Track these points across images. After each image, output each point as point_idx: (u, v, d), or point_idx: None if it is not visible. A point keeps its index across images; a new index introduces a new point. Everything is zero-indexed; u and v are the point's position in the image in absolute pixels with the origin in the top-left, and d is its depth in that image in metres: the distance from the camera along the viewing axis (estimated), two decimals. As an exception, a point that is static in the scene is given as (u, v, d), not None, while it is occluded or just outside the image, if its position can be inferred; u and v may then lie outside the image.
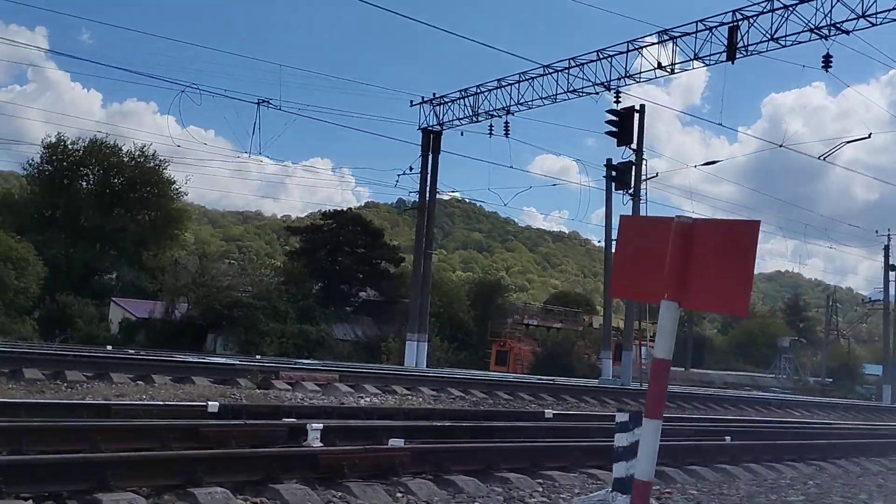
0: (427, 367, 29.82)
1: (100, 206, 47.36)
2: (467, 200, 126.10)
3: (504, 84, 29.26)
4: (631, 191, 26.40)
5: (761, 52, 22.70)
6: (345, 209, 53.27)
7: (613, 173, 26.79)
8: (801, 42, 21.92)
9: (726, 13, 22.68)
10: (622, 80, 25.87)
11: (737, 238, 2.98)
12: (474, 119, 30.60)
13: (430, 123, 31.75)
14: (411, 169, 32.19)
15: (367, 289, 50.52)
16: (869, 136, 27.11)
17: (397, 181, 34.42)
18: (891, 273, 46.27)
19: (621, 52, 25.52)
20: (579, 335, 46.14)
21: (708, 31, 23.11)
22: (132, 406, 8.72)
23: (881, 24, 20.58)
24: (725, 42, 22.41)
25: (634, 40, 25.45)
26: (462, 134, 31.60)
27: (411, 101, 32.20)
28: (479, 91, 30.17)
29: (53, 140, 47.94)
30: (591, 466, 7.94)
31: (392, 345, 37.50)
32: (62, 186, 47.03)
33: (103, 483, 5.03)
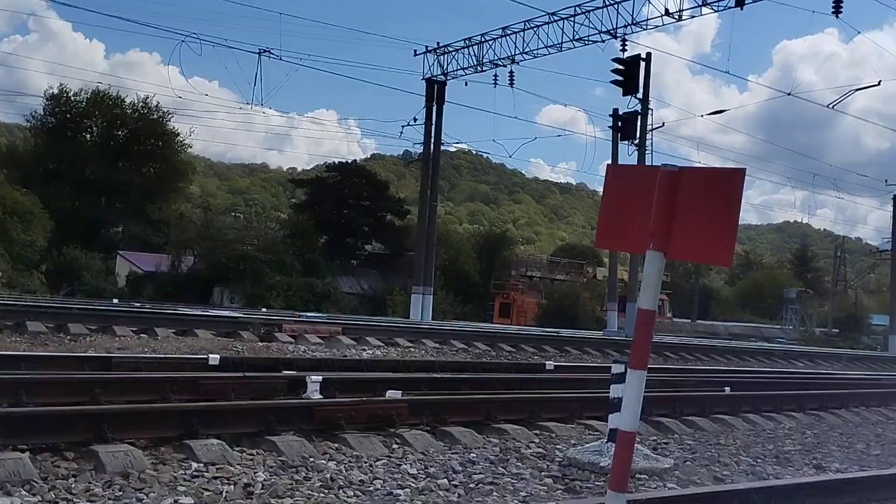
0: (432, 320, 29.96)
1: (104, 158, 47.27)
2: (474, 152, 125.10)
3: (509, 32, 28.70)
4: (636, 141, 26.12)
5: (771, -2, 22.21)
6: (350, 162, 52.99)
7: (619, 124, 26.48)
8: (811, -14, 21.41)
9: (735, -44, 22.11)
10: (629, 27, 25.31)
11: (721, 186, 2.91)
12: (479, 69, 30.12)
13: (434, 73, 31.26)
14: (415, 120, 31.84)
15: (373, 242, 50.54)
16: (878, 84, 26.68)
17: (401, 132, 34.53)
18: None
19: (628, -1, 24.98)
20: (584, 287, 46.19)
21: (717, -25, 22.56)
22: (134, 359, 8.78)
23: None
24: (734, -14, 21.90)
25: (642, -15, 24.87)
26: (466, 84, 31.14)
27: (415, 51, 31.70)
28: (483, 40, 29.62)
29: (56, 91, 47.70)
30: (589, 417, 7.99)
31: (397, 298, 37.63)
32: (66, 139, 46.90)
33: (100, 435, 5.07)
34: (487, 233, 60.08)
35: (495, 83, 30.07)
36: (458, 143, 49.95)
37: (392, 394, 7.31)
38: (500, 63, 29.52)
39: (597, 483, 5.73)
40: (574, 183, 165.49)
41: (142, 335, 12.20)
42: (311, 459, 5.53)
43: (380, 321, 20.82)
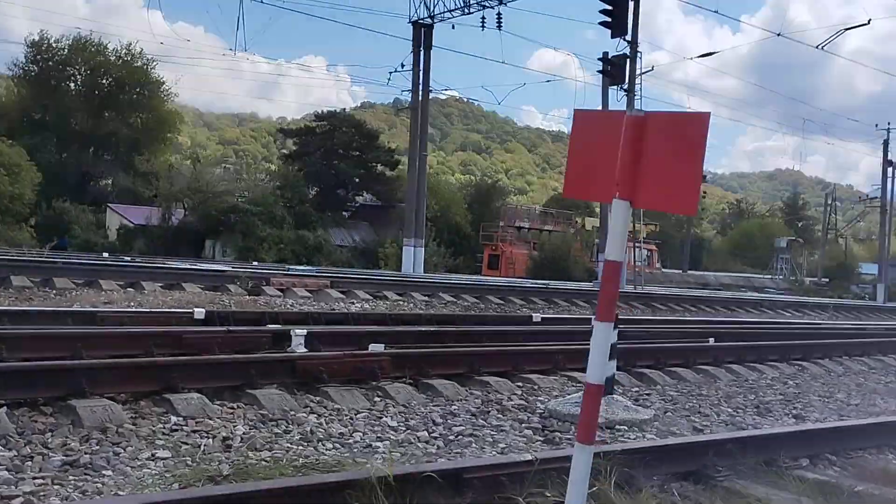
0: (424, 272, 29.97)
1: (89, 108, 46.66)
2: (465, 100, 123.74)
3: (497, -29, 28.12)
4: (626, 86, 25.77)
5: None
6: (339, 110, 52.40)
7: (608, 67, 26.04)
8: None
9: None
10: (618, -35, 24.78)
11: (686, 132, 2.82)
12: (466, 11, 29.49)
13: (421, 16, 30.60)
14: (403, 66, 31.35)
15: (364, 193, 50.28)
16: (868, 23, 26.10)
17: (389, 79, 34.16)
18: (891, 169, 45.62)
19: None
20: (574, 237, 46.15)
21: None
22: (118, 313, 8.77)
23: None
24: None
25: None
26: (453, 27, 30.58)
27: (401, -8, 31.09)
28: (470, -21, 28.96)
29: (37, 38, 46.76)
30: (573, 369, 8.03)
31: (389, 250, 37.63)
32: (50, 88, 46.14)
33: (78, 390, 5.07)
34: (479, 183, 59.84)
35: (483, 26, 29.47)
36: (447, 90, 49.36)
37: (375, 347, 7.33)
38: (487, 4, 28.92)
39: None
40: (566, 131, 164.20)
41: (128, 289, 12.17)
42: (292, 413, 5.55)
43: (368, 274, 20.85)
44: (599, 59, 26.98)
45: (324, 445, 4.93)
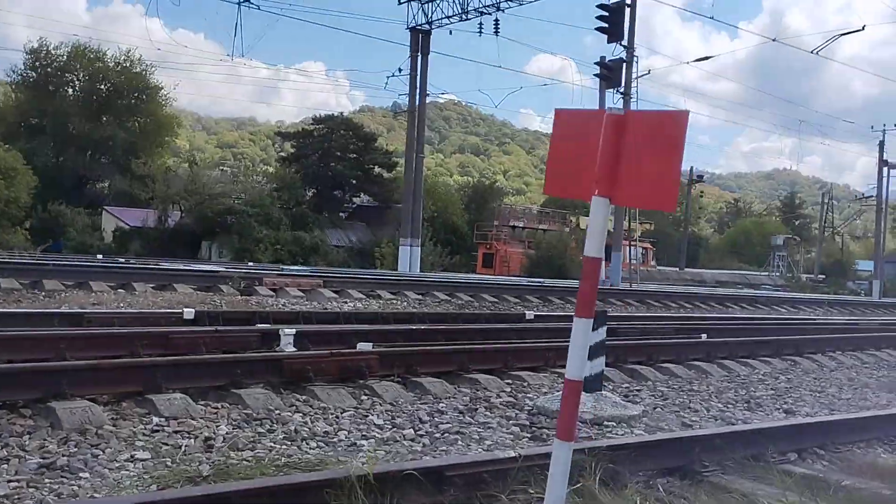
0: (420, 271, 29.98)
1: (87, 113, 46.70)
2: (464, 103, 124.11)
3: (494, -22, 28.21)
4: (622, 89, 25.82)
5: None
6: (337, 114, 52.40)
7: (605, 71, 26.11)
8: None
9: None
10: (615, -29, 24.86)
11: (666, 130, 2.80)
12: (464, 17, 29.66)
13: (419, 22, 30.75)
14: (400, 71, 31.49)
15: (362, 194, 50.31)
16: (862, 29, 26.28)
17: (386, 83, 34.49)
18: (887, 169, 45.99)
19: (613, -59, 24.43)
20: (569, 236, 46.12)
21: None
22: (107, 315, 8.71)
23: None
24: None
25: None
26: (451, 33, 30.75)
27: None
28: (467, -13, 29.08)
29: (36, 45, 46.89)
30: (563, 366, 7.95)
31: (385, 250, 37.61)
32: (48, 93, 46.26)
33: (59, 391, 5.02)
34: (476, 184, 59.84)
35: (480, 32, 29.72)
36: (445, 93, 49.49)
37: (363, 346, 7.28)
38: (485, 11, 29.09)
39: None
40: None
41: (119, 290, 12.11)
42: (277, 412, 5.51)
43: (362, 273, 20.79)
44: (596, 63, 27.00)
45: (307, 444, 4.89)
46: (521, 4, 28.03)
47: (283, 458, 4.53)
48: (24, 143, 41.99)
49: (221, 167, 53.76)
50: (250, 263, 25.59)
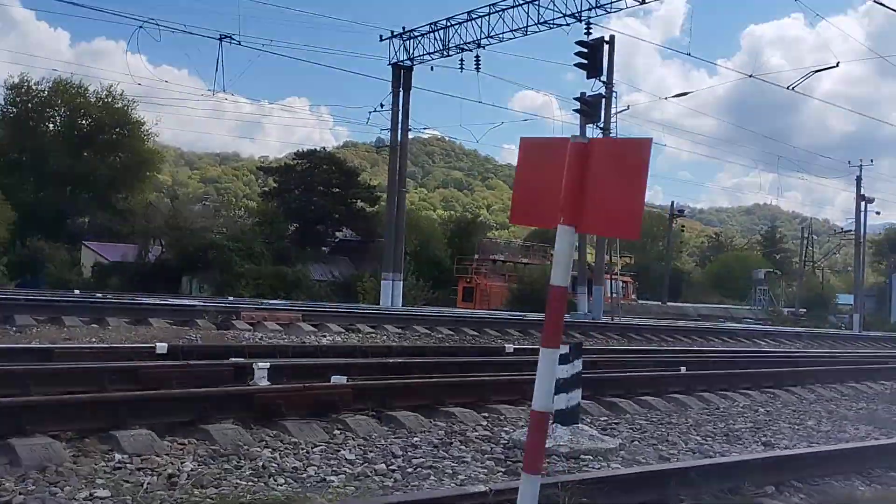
0: (403, 305, 29.85)
1: (68, 148, 46.48)
2: (447, 139, 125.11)
3: (475, 17, 28.60)
4: (602, 124, 26.11)
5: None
6: (321, 149, 52.57)
7: (584, 107, 26.43)
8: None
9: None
10: (592, 10, 25.35)
11: (628, 157, 2.79)
12: (445, 53, 30.01)
13: (401, 59, 31.08)
14: (382, 106, 31.72)
15: (344, 229, 50.27)
16: (837, 65, 26.86)
17: (368, 119, 34.73)
18: (864, 203, 46.67)
19: (592, -19, 24.91)
20: (550, 269, 46.21)
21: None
22: (77, 350, 8.54)
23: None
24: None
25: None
26: (432, 69, 31.09)
27: (380, 36, 31.49)
28: (449, 24, 29.47)
29: (16, 81, 46.75)
30: (541, 399, 7.89)
31: (368, 284, 37.47)
32: (29, 129, 46.03)
33: (19, 428, 4.88)
34: (459, 218, 59.99)
35: (461, 68, 30.05)
36: (427, 129, 49.87)
37: (337, 379, 7.17)
38: (465, 48, 29.41)
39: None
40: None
41: (92, 325, 11.93)
42: (245, 447, 5.38)
43: (341, 307, 20.65)
44: (576, 98, 27.34)
45: (275, 481, 4.77)
46: (501, 41, 28.39)
47: (248, 496, 4.40)
48: (3, 178, 41.68)
49: (204, 202, 53.58)
50: (230, 298, 25.35)
